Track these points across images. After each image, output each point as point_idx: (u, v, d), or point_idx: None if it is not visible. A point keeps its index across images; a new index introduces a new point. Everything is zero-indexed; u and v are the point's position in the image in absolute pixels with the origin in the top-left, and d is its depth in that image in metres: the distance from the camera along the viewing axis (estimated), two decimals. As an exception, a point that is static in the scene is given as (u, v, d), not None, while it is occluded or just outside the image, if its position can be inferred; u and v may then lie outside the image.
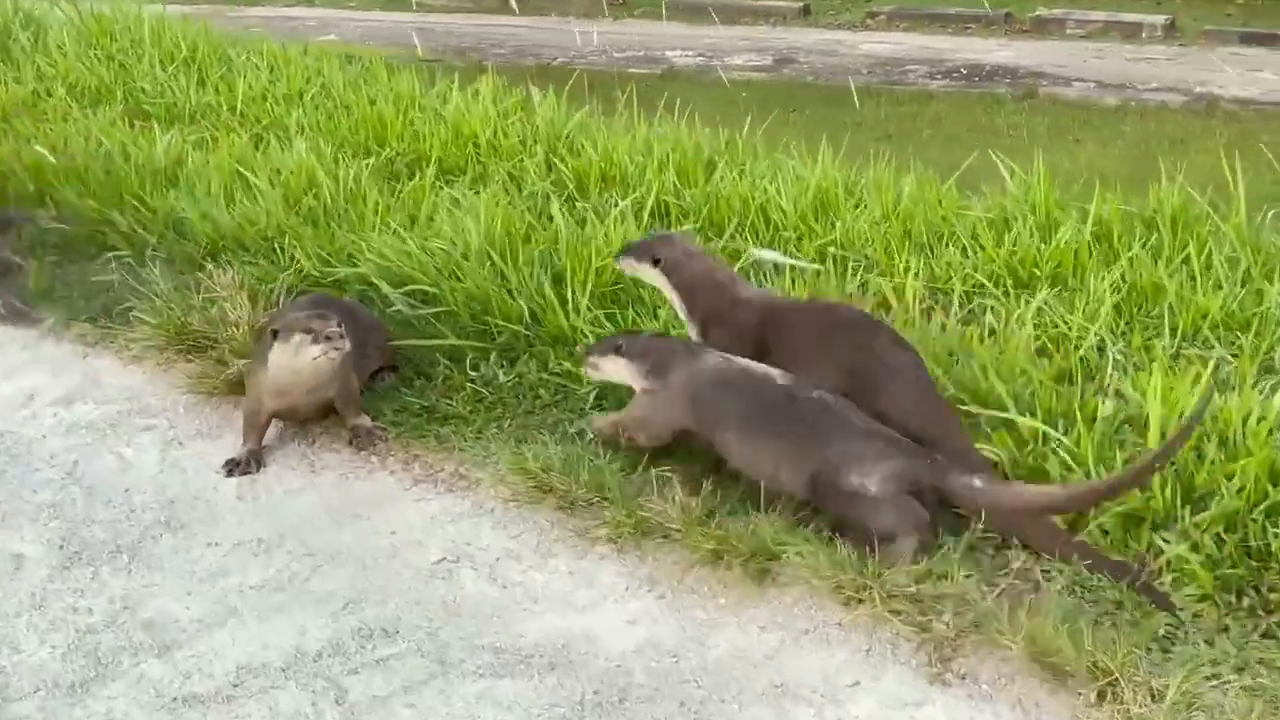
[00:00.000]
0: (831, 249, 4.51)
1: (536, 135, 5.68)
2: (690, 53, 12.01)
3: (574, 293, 4.17)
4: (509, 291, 4.19)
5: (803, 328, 3.54)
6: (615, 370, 3.52)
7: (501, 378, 3.95)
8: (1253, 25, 12.26)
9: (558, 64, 11.27)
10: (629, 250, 3.89)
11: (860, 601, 2.90)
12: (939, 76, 11.02)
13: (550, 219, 4.81)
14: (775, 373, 3.30)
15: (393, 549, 3.29)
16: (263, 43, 7.15)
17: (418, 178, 5.42)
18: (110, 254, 4.97)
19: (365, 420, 3.75)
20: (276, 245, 4.79)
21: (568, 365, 3.90)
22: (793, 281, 4.18)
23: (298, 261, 4.67)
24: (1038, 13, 12.83)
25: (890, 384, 3.31)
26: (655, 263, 3.75)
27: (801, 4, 13.61)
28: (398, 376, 4.02)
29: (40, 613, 3.11)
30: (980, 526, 3.05)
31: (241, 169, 5.43)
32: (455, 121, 5.90)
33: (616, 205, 4.81)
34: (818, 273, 4.25)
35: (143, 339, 4.29)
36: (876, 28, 13.05)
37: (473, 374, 3.97)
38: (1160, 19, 12.42)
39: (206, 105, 6.52)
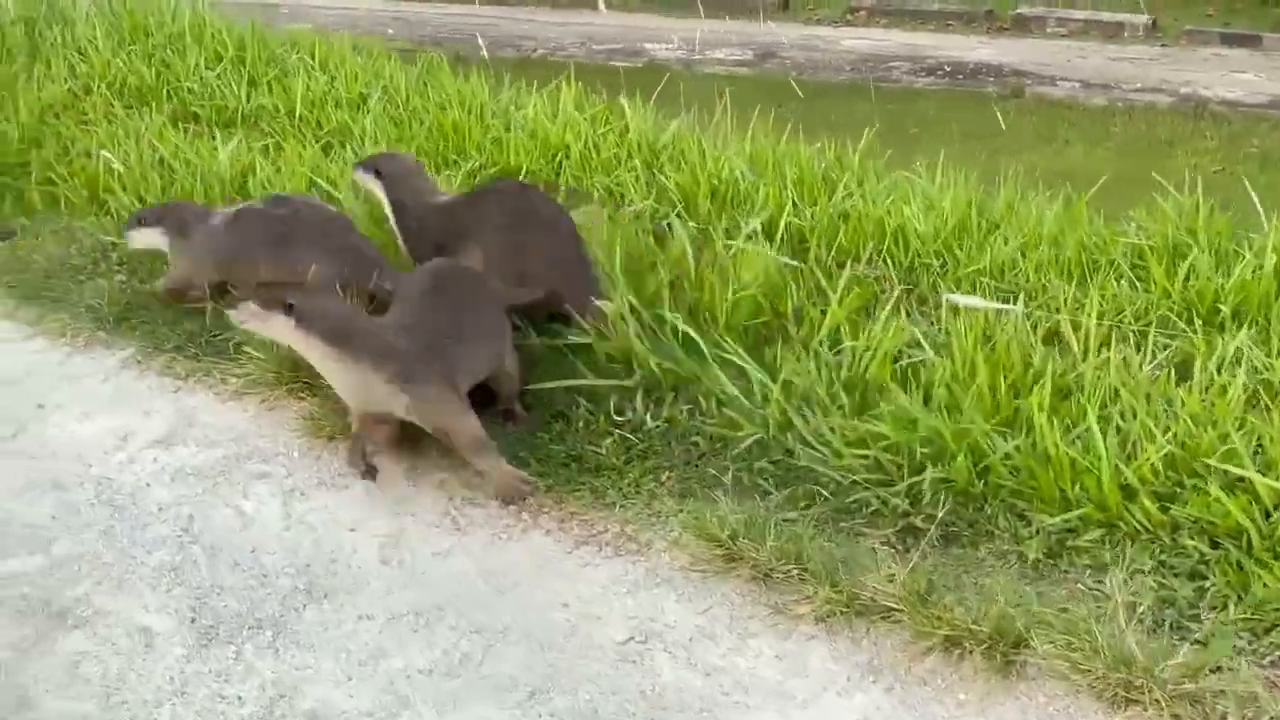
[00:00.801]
0: (982, 279, 4.19)
1: (630, 145, 5.33)
2: (669, 46, 11.85)
3: (713, 326, 3.83)
4: (645, 325, 3.84)
5: (467, 209, 4.14)
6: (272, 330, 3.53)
7: (650, 422, 3.60)
8: (1233, 26, 12.23)
9: (537, 56, 11.00)
10: (359, 164, 4.49)
11: (1130, 701, 2.57)
12: (923, 74, 10.96)
13: (656, 237, 4.49)
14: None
15: (569, 625, 2.94)
16: (314, 41, 6.74)
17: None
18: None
19: None
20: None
21: (727, 411, 3.56)
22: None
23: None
24: (1019, 10, 12.84)
25: (537, 235, 3.99)
26: (377, 174, 4.32)
27: None
28: (535, 417, 3.67)
29: (184, 701, 2.74)
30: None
31: (318, 180, 5.06)
32: (536, 129, 5.55)
33: (740, 226, 4.47)
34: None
35: (245, 373, 3.92)
36: (857, 23, 13.01)
37: (618, 418, 3.62)
38: (1141, 19, 12.41)
39: (260, 109, 6.13)
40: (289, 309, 3.38)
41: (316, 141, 5.58)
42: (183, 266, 4.37)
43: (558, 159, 5.32)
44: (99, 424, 3.80)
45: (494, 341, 3.60)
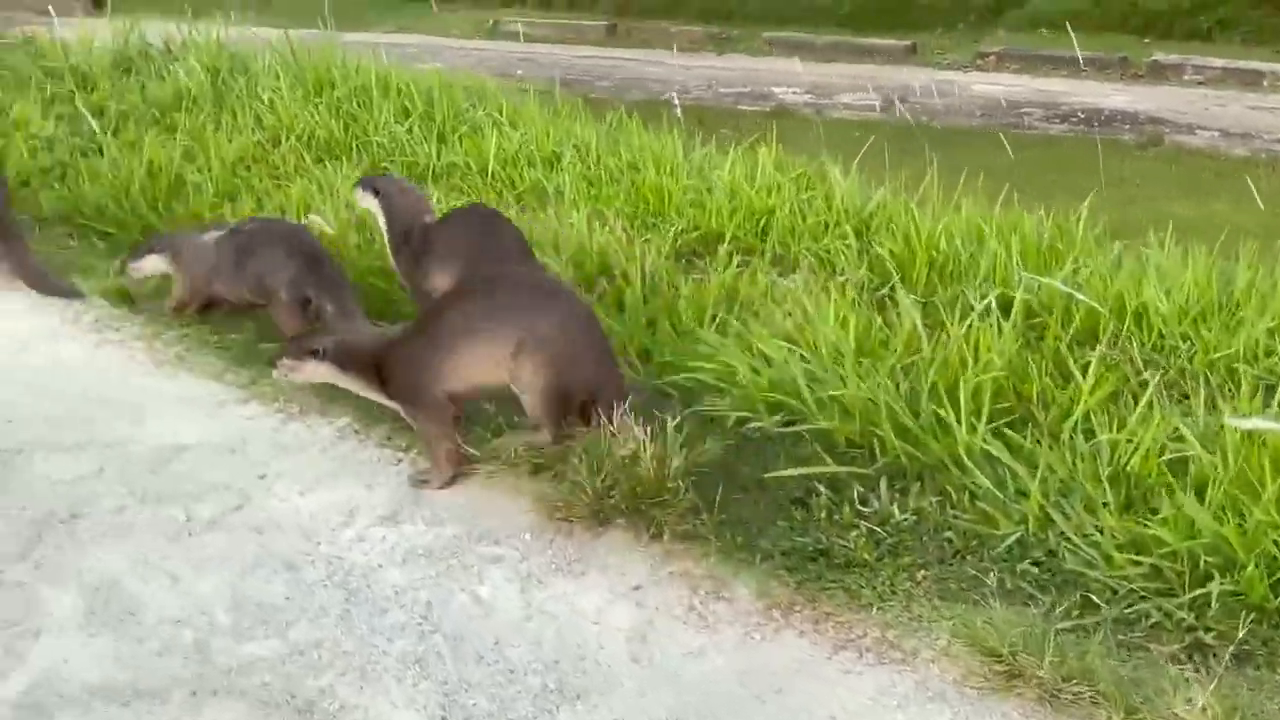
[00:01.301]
0: (1235, 364, 3.94)
1: (837, 210, 5.17)
2: (796, 90, 11.77)
3: (957, 408, 3.64)
4: (882, 406, 3.67)
5: (439, 229, 4.50)
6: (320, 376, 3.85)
7: (897, 514, 3.42)
8: None
9: (664, 99, 10.94)
10: (359, 183, 4.82)
11: None
12: (1056, 120, 10.70)
13: (876, 308, 4.33)
14: None
15: (842, 742, 2.77)
16: (499, 96, 6.71)
17: (710, 259, 4.95)
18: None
19: None
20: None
21: (981, 505, 3.36)
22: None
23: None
24: (1154, 58, 12.53)
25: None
26: (375, 194, 4.63)
27: (908, 43, 13.34)
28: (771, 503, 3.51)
29: (446, 810, 2.62)
30: None
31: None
32: (736, 190, 5.42)
33: (968, 300, 4.28)
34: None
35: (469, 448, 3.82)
36: (987, 68, 12.83)
37: (862, 508, 3.44)
38: None
39: (452, 165, 6.10)
40: (316, 353, 3.78)
41: (517, 202, 5.51)
42: (182, 284, 4.86)
43: (761, 223, 5.18)
44: (322, 497, 3.72)
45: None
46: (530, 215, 5.37)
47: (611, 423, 3.50)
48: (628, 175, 5.74)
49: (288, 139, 6.52)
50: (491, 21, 15.22)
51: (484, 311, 3.65)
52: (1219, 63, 12.35)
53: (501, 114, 6.59)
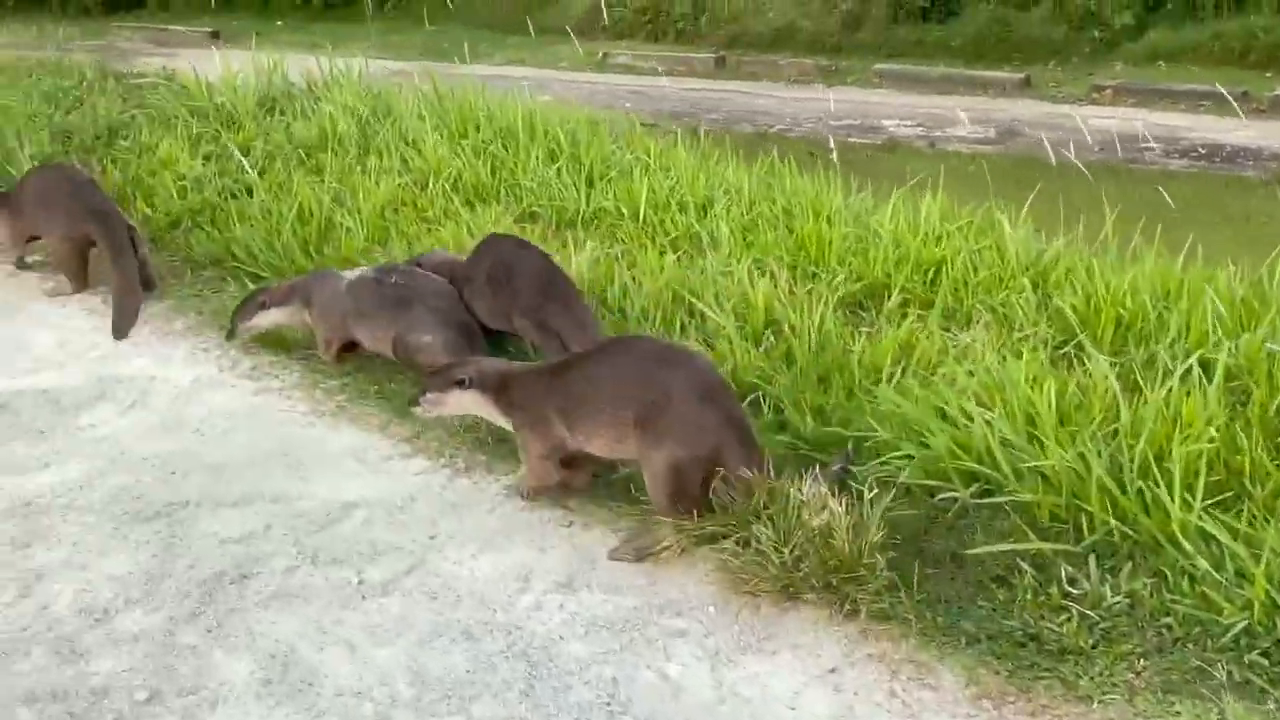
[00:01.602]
0: None
1: (1011, 263, 4.96)
2: (908, 123, 11.56)
3: (1168, 482, 3.41)
4: (1091, 478, 3.46)
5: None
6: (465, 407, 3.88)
7: (1109, 596, 3.20)
8: None
9: (774, 132, 10.76)
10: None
11: None
12: (1176, 155, 10.34)
13: (1061, 364, 4.12)
14: None
15: None
16: (648, 141, 6.59)
17: (878, 312, 4.77)
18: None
19: None
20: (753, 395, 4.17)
21: (1200, 588, 3.14)
22: None
23: (789, 423, 4.04)
24: (1276, 92, 12.03)
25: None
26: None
27: (1022, 75, 13.04)
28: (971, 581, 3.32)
29: None
30: None
31: (682, 292, 4.85)
32: (900, 238, 5.24)
33: (1164, 362, 4.05)
34: None
35: (637, 513, 3.69)
36: (1103, 102, 12.35)
37: (1070, 589, 3.23)
38: None
39: (601, 210, 5.99)
40: (461, 383, 3.81)
41: (673, 249, 5.39)
42: (322, 332, 4.85)
43: (929, 274, 4.99)
44: (495, 560, 3.60)
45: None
46: (687, 263, 5.24)
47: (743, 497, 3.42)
48: (783, 221, 5.59)
49: (435, 182, 6.46)
50: (600, 54, 15.22)
51: (610, 376, 3.58)
52: (1347, 97, 11.92)
53: (650, 156, 6.47)
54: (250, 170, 6.82)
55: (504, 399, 3.78)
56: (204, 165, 7.11)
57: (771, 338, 4.53)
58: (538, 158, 6.51)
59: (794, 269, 5.16)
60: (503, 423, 3.84)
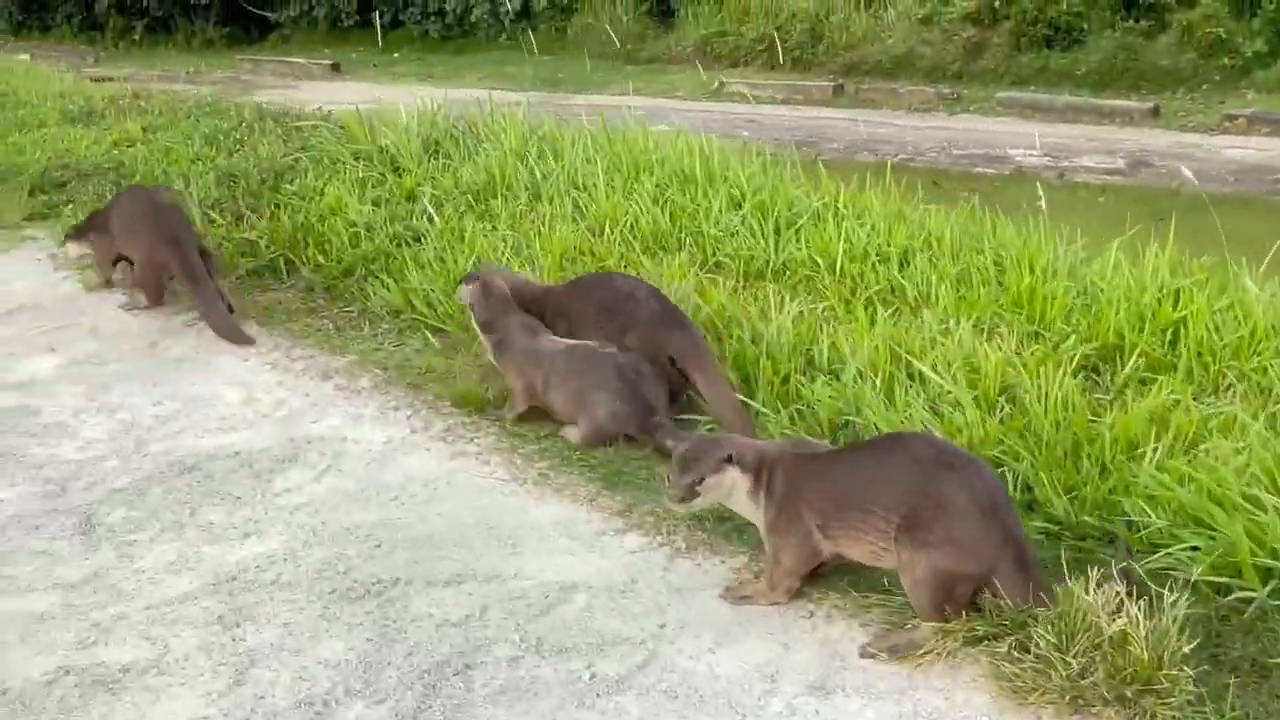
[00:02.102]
0: None
1: (1257, 322, 4.58)
2: (1034, 152, 11.21)
3: None
4: None
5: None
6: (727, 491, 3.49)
7: None
8: None
9: (897, 160, 10.47)
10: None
11: None
12: None
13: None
14: None
15: None
16: (835, 189, 6.29)
17: (1112, 377, 4.42)
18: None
19: None
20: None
21: None
22: None
23: (1038, 503, 3.72)
24: None
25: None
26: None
27: (1151, 104, 12.65)
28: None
29: None
30: None
31: (899, 351, 4.55)
32: (1129, 296, 4.88)
33: None
34: None
35: (883, 603, 3.39)
36: (1235, 131, 11.87)
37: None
38: None
39: (792, 260, 5.71)
40: (730, 459, 3.43)
41: (883, 304, 5.09)
42: (518, 392, 4.76)
43: (1168, 334, 4.62)
44: (735, 656, 3.33)
45: None
46: (896, 320, 4.93)
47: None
48: (994, 275, 5.26)
49: (613, 229, 6.24)
50: (717, 82, 15.09)
51: (884, 477, 3.27)
52: None
53: (839, 201, 6.17)
54: (429, 213, 6.67)
55: (761, 485, 3.46)
56: (373, 211, 6.97)
57: (1008, 406, 4.19)
58: (720, 204, 6.24)
59: (1016, 331, 4.82)
60: (753, 515, 3.52)
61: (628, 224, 6.32)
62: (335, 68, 18.73)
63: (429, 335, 5.56)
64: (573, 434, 4.50)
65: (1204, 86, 13.12)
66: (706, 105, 13.98)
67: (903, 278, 5.33)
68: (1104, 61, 13.65)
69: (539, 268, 5.90)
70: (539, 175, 7.13)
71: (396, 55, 19.20)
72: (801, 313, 4.99)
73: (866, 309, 5.14)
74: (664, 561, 3.77)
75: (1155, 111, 12.63)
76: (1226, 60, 13.06)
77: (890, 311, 5.00)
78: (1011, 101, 13.44)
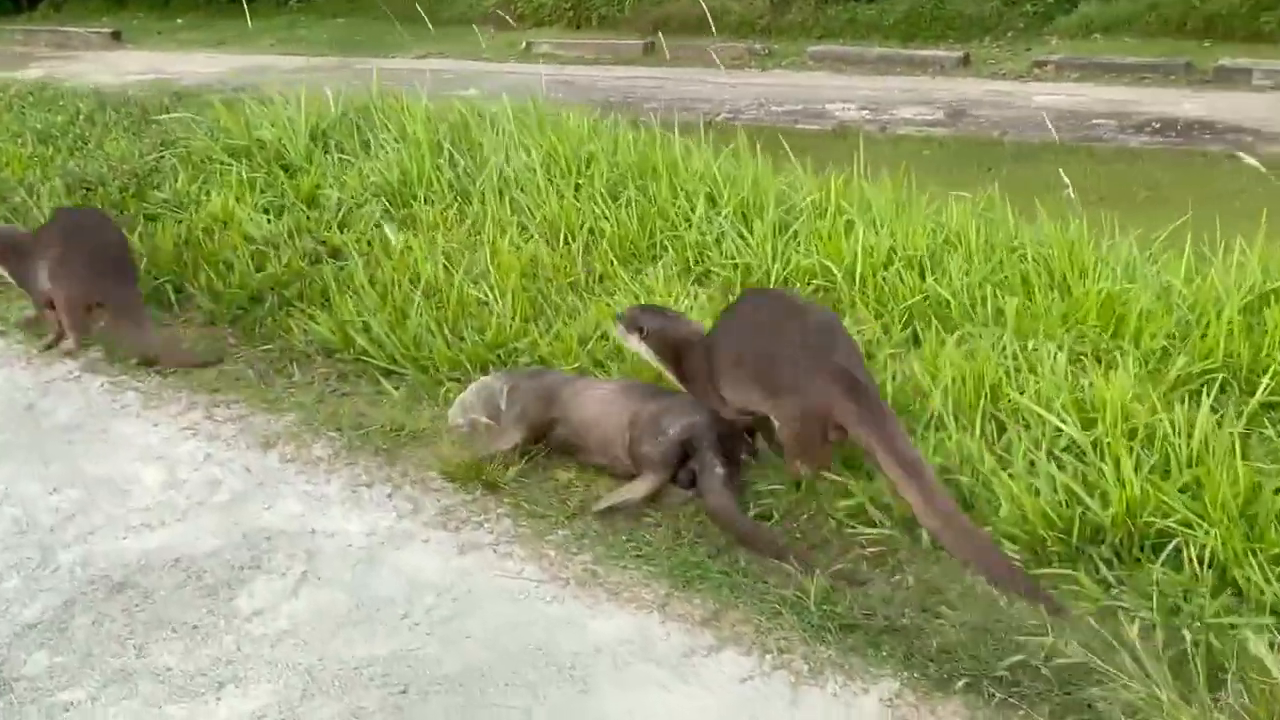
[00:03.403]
0: None
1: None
2: (851, 106, 11.37)
3: None
4: None
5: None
6: None
7: None
8: None
9: (719, 120, 10.10)
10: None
11: None
12: (1131, 130, 10.17)
13: None
14: None
15: None
16: (828, 183, 5.50)
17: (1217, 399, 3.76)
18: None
19: None
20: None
21: None
22: None
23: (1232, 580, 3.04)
24: (1220, 63, 11.91)
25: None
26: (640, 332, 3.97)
27: (961, 53, 13.00)
28: None
29: None
30: None
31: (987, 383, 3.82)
32: (1199, 300, 4.24)
33: None
34: None
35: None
36: (1045, 78, 12.32)
37: None
38: None
39: (801, 269, 4.92)
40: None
41: (918, 320, 4.37)
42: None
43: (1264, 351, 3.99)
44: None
45: None
46: (961, 342, 4.18)
47: None
48: (1044, 278, 4.57)
49: (574, 238, 5.36)
50: (524, 43, 14.91)
51: None
52: (1288, 65, 11.81)
53: (828, 195, 5.38)
54: (324, 227, 5.70)
55: None
56: (272, 222, 5.93)
57: (1139, 451, 3.49)
58: (699, 203, 5.39)
59: (1082, 340, 4.16)
60: None
61: (586, 229, 5.44)
62: (116, 36, 17.74)
63: (381, 379, 4.61)
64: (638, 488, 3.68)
65: (1009, 34, 13.48)
66: (515, 67, 13.57)
67: (939, 286, 4.58)
68: (911, 11, 13.87)
69: (499, 290, 4.98)
70: (461, 171, 6.18)
71: (180, 21, 18.07)
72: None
73: (904, 328, 4.41)
74: (784, 692, 2.96)
75: (966, 60, 12.85)
76: (1030, 7, 13.50)
77: (961, 338, 4.23)
78: (823, 55, 13.48)
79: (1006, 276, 4.62)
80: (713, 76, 12.43)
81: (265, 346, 5.03)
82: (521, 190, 5.88)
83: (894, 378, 3.97)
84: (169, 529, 3.79)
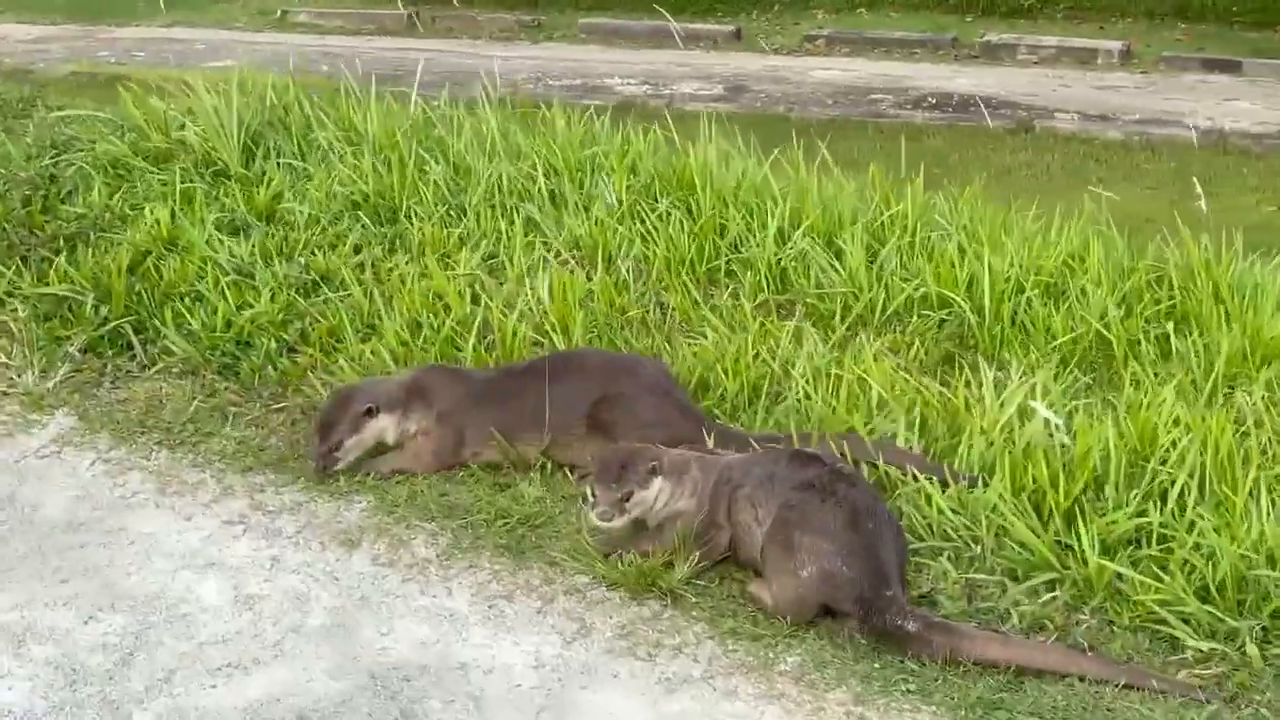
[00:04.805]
0: None
1: None
2: (631, 81, 11.30)
3: None
4: None
5: None
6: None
7: None
8: (1207, 50, 11.66)
9: (500, 95, 9.75)
10: None
11: None
12: (909, 106, 10.49)
13: None
14: None
15: None
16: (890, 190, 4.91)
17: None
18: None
19: None
20: None
21: None
22: None
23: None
24: (986, 37, 12.35)
25: None
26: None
27: (732, 27, 13.15)
28: None
29: None
30: None
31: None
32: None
33: None
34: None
35: None
36: (817, 53, 12.57)
37: None
38: (1115, 44, 11.87)
39: (915, 300, 4.33)
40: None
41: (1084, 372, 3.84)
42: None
43: None
44: None
45: None
46: (1144, 391, 3.64)
47: None
48: (1212, 309, 4.09)
49: (615, 259, 4.64)
50: (280, 12, 14.21)
51: None
52: (1051, 41, 12.10)
53: (888, 203, 4.76)
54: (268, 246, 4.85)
55: None
56: (227, 242, 4.99)
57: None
58: (774, 221, 4.70)
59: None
60: None
61: (618, 247, 4.71)
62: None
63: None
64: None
65: (776, 7, 13.62)
66: (272, 37, 12.96)
67: (1090, 317, 4.05)
68: (679, -16, 13.73)
69: (546, 321, 4.23)
70: (447, 181, 5.35)
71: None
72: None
73: (1058, 376, 3.86)
74: None
75: (738, 34, 12.93)
76: (797, -19, 13.49)
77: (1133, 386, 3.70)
78: (594, 28, 13.33)
79: (1163, 305, 4.12)
80: (484, 49, 12.06)
81: (278, 405, 4.14)
82: (522, 202, 5.10)
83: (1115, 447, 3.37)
84: (268, 670, 2.95)
